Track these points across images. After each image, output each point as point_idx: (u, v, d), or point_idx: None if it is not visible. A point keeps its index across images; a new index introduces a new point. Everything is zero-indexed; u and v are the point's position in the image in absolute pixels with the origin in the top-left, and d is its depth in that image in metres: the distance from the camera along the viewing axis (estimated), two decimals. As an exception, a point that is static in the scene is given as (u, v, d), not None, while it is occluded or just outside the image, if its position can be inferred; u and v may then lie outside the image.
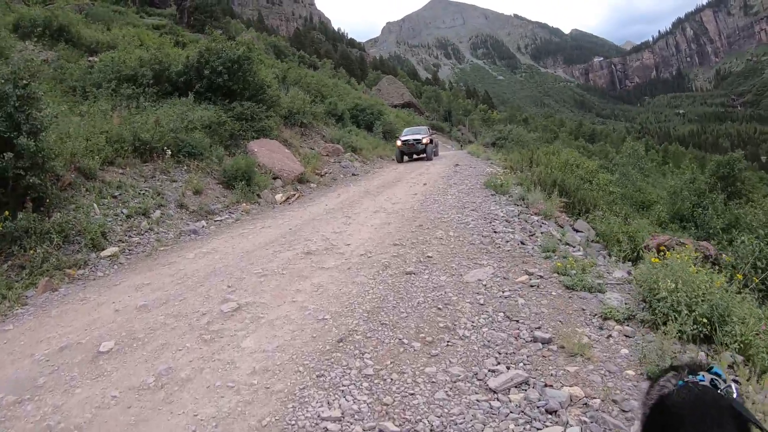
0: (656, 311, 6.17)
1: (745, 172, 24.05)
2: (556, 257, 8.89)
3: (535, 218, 12.39)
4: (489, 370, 5.25)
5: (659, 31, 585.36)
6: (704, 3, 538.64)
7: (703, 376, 2.11)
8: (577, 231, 13.18)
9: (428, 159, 30.84)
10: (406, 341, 5.92)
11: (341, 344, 5.87)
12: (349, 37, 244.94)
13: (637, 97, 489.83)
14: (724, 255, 10.81)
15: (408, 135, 33.03)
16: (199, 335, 6.24)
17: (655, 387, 2.16)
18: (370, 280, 8.00)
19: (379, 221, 12.36)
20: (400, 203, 14.74)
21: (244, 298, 7.37)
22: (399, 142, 31.96)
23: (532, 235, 10.65)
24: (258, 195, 16.35)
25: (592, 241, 12.76)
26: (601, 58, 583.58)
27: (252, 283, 8.10)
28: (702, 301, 5.85)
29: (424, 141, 31.35)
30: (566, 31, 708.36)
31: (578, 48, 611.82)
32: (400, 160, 31.10)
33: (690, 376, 2.12)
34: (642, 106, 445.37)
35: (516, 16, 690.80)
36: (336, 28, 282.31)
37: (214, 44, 21.02)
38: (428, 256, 9.06)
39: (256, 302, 7.23)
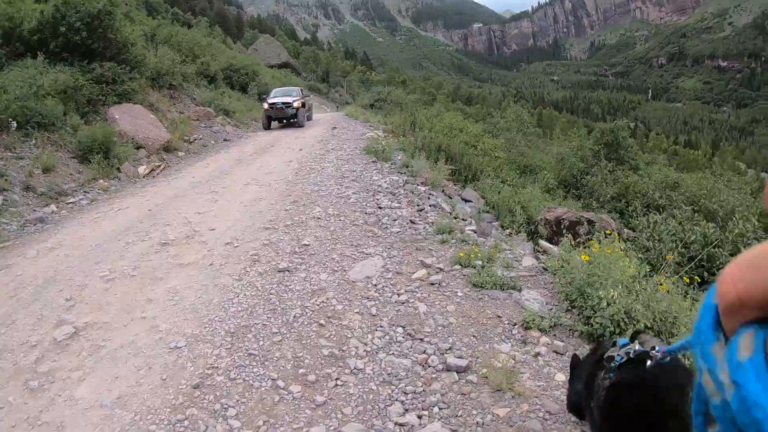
0: (591, 321, 5.25)
1: (628, 140, 24.46)
2: (454, 241, 7.95)
3: (422, 189, 11.48)
4: (397, 424, 4.09)
5: (539, 2, 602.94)
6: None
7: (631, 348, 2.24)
8: (466, 201, 12.42)
9: (299, 125, 27.21)
10: (281, 384, 4.61)
11: (198, 392, 4.48)
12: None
13: (514, 64, 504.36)
14: (627, 232, 10.60)
15: (277, 97, 28.56)
16: (25, 382, 4.68)
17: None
18: (236, 282, 6.58)
19: (250, 196, 10.97)
20: (273, 173, 13.39)
21: (83, 317, 5.77)
22: (265, 105, 27.51)
23: (421, 210, 9.74)
24: (118, 169, 14.54)
25: (483, 211, 11.92)
26: (481, 25, 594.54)
27: (96, 291, 6.50)
28: (646, 309, 4.96)
29: (296, 104, 27.17)
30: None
31: (459, 13, 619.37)
32: (267, 127, 27.39)
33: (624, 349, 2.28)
34: (518, 72, 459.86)
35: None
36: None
37: None
38: (305, 244, 7.81)
39: (98, 322, 5.65)
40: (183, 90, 26.08)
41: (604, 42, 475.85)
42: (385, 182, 11.66)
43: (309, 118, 30.67)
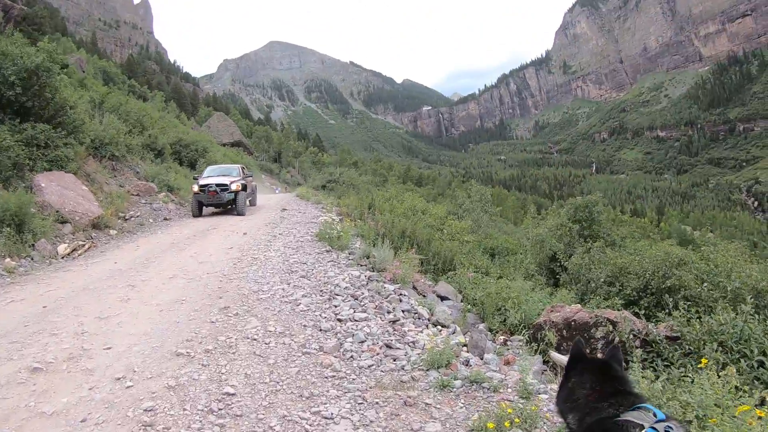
0: None
1: (602, 215, 23.11)
2: (459, 384, 5.58)
3: (390, 288, 9.19)
4: None
5: (485, 85, 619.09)
6: (528, 62, 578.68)
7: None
8: (443, 298, 10.40)
9: (239, 213, 21.86)
10: None
11: None
12: (184, 71, 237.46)
13: (462, 144, 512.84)
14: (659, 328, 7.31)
15: (211, 177, 23.27)
16: None
17: None
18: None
19: (172, 296, 8.55)
20: (208, 263, 11.16)
21: None
22: (195, 188, 22.02)
23: (395, 322, 7.55)
24: (32, 246, 12.33)
25: (466, 310, 9.86)
26: (430, 108, 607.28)
27: None
28: None
29: (234, 187, 22.05)
30: (398, 80, 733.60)
31: (409, 97, 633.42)
32: (197, 214, 21.63)
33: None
34: (467, 153, 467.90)
35: (352, 63, 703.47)
36: (172, 60, 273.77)
37: (10, 48, 16.80)
38: (228, 393, 5.26)
39: None
40: (126, 162, 24.25)
41: (548, 121, 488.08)
42: (344, 279, 9.50)
43: (252, 203, 26.04)
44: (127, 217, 18.21)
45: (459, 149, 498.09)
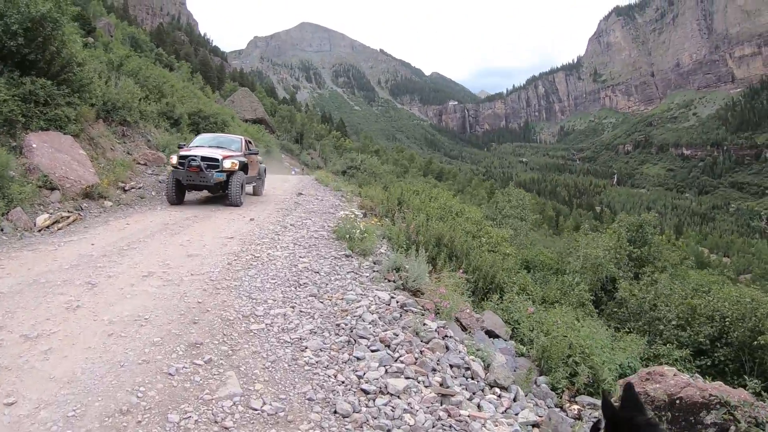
0: None
1: (656, 237, 20.42)
2: None
3: (433, 325, 6.76)
4: None
5: (513, 85, 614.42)
6: (559, 66, 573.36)
7: None
8: (492, 335, 8.14)
9: (233, 203, 16.28)
10: None
11: None
12: (213, 45, 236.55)
13: (485, 143, 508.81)
14: None
15: (198, 148, 17.32)
16: None
17: None
18: None
19: (133, 310, 6.32)
20: (198, 256, 9.05)
21: None
22: (173, 159, 16.19)
23: (444, 396, 5.18)
24: (5, 214, 10.48)
25: (518, 354, 7.82)
26: (456, 103, 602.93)
27: None
28: None
29: (227, 164, 16.22)
30: (427, 72, 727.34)
31: (436, 90, 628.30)
32: (174, 201, 16.03)
33: None
34: (489, 151, 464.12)
35: (382, 51, 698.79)
36: (202, 33, 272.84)
37: None
38: None
39: None
40: (138, 129, 22.59)
41: (574, 127, 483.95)
42: (369, 307, 7.03)
43: (257, 192, 19.86)
44: (127, 188, 16.43)
45: (482, 147, 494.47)
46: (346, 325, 6.44)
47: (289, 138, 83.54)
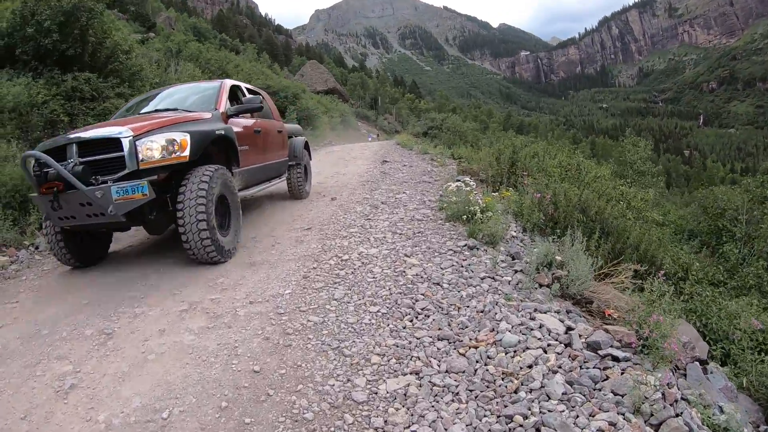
0: None
1: None
2: None
3: (652, 380, 3.79)
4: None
5: (585, 29, 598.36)
6: (630, 3, 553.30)
7: None
8: (701, 362, 5.42)
9: (196, 256, 6.40)
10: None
11: None
12: (276, 24, 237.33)
13: (561, 91, 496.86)
14: None
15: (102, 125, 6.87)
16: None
17: None
18: None
19: (150, 387, 3.93)
20: (265, 264, 6.54)
21: None
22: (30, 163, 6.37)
23: None
24: (40, 228, 8.19)
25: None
26: (528, 53, 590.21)
27: None
28: None
29: (152, 152, 6.07)
30: (494, 25, 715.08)
31: (506, 42, 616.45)
32: (71, 262, 7.02)
33: None
34: (566, 100, 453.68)
35: (446, 8, 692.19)
36: (263, 13, 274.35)
37: None
38: None
39: None
40: None
41: (653, 68, 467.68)
42: (544, 356, 4.28)
43: (295, 191, 11.41)
44: None
45: (558, 96, 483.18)
46: (524, 417, 3.57)
47: (364, 105, 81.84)
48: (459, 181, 9.61)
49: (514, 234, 7.68)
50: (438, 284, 5.72)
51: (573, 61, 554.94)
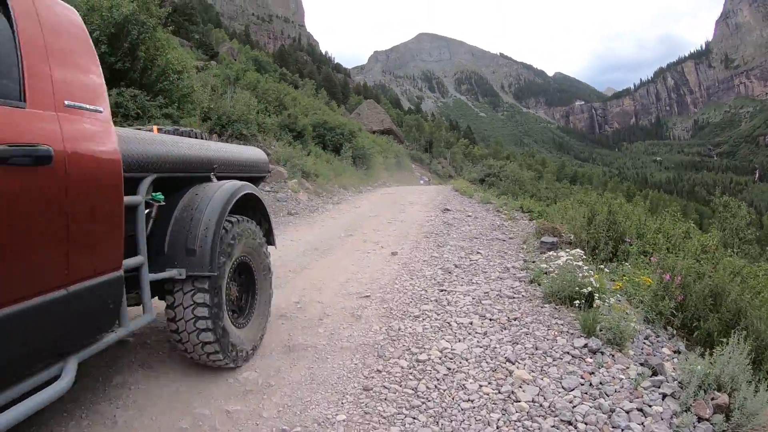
0: None
1: None
2: None
3: None
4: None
5: (641, 79, 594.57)
6: (686, 55, 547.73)
7: None
8: None
9: None
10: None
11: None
12: (335, 62, 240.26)
13: (615, 143, 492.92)
14: None
15: None
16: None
17: None
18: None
19: None
20: (307, 354, 4.78)
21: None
22: None
23: None
24: None
25: None
26: (582, 102, 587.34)
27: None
28: None
29: None
30: (550, 73, 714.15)
31: (561, 91, 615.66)
32: None
33: None
34: (620, 152, 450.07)
35: (502, 55, 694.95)
36: (323, 52, 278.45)
37: (101, 0, 13.10)
38: None
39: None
40: (256, 142, 20.56)
41: (708, 120, 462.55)
42: None
43: (199, 358, 4.23)
44: None
45: (612, 147, 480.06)
46: None
47: (419, 147, 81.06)
48: (551, 248, 7.78)
49: (637, 326, 5.49)
50: (570, 423, 3.75)
51: (627, 112, 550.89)
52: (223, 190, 4.28)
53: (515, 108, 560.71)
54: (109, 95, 11.17)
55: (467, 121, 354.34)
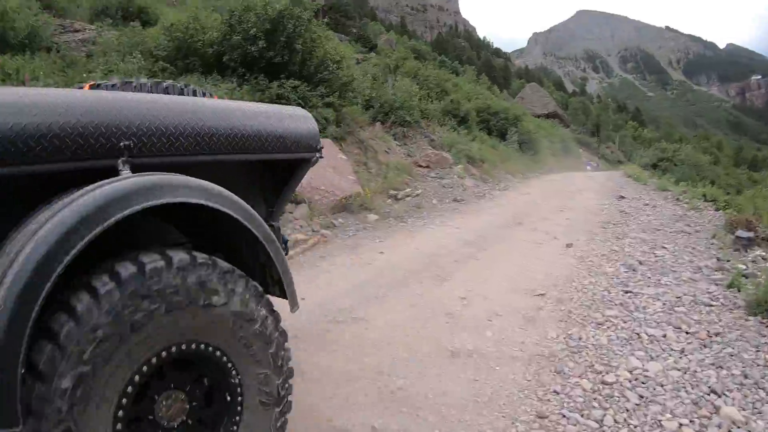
0: None
1: None
2: None
3: None
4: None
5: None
6: None
7: None
8: None
9: None
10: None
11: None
12: (494, 47, 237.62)
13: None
14: None
15: None
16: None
17: None
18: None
19: None
20: (468, 370, 4.16)
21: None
22: None
23: None
24: None
25: None
26: (760, 77, 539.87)
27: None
28: None
29: None
30: (721, 45, 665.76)
31: (734, 64, 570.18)
32: None
33: None
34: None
35: (668, 28, 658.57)
36: (481, 37, 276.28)
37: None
38: None
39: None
40: (419, 128, 21.24)
41: None
42: None
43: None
44: (399, 196, 13.43)
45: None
46: None
47: (586, 131, 78.56)
48: (747, 244, 6.88)
49: None
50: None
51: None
52: (72, 209, 1.77)
53: (685, 85, 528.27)
54: (270, 87, 13.24)
55: (635, 102, 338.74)
